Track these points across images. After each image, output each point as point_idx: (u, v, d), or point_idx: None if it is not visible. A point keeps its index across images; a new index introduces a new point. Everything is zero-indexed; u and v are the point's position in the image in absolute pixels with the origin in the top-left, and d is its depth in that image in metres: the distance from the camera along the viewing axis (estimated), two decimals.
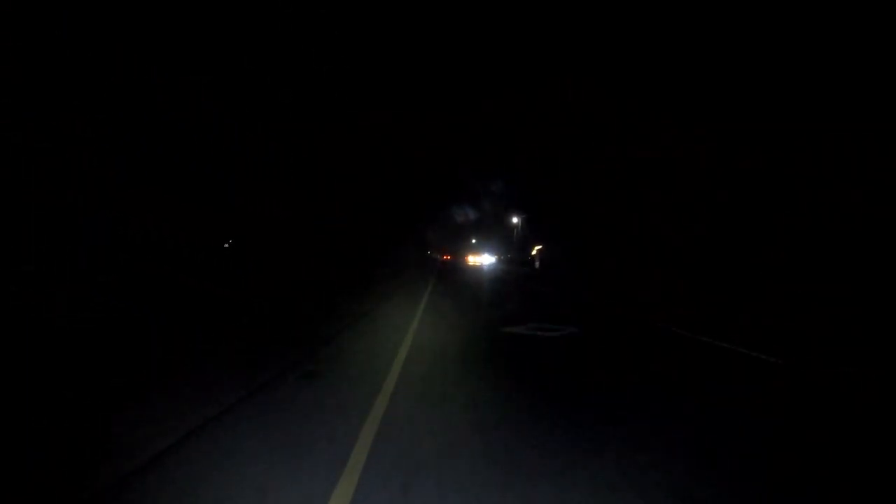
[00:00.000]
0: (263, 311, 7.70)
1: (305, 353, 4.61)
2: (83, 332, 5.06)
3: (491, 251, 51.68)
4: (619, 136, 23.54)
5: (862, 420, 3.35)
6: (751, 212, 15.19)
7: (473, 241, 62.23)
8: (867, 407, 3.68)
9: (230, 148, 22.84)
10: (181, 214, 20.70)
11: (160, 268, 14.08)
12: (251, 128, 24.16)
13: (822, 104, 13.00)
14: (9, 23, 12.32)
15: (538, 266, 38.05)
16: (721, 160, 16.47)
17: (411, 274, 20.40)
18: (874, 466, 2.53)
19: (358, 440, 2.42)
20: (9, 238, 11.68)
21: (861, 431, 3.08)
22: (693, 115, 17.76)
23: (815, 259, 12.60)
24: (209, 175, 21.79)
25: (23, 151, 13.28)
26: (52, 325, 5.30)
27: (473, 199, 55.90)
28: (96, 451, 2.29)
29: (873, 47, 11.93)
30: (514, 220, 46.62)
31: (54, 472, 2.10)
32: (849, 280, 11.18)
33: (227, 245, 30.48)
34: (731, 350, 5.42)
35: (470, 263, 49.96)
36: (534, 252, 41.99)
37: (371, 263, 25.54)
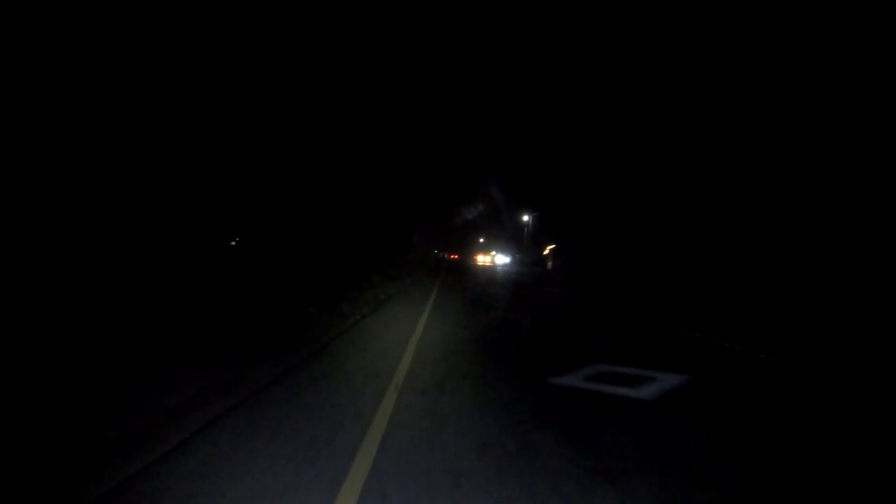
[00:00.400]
0: (257, 315, 6.93)
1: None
2: (77, 332, 4.92)
3: (504, 251, 48.37)
4: (620, 135, 23.32)
5: None
6: (753, 211, 14.86)
7: (481, 240, 61.50)
8: None
9: (231, 148, 22.67)
10: (181, 214, 20.48)
11: (156, 268, 13.90)
12: (252, 128, 24.01)
13: (823, 104, 13.03)
14: (9, 21, 12.24)
15: (551, 266, 37.10)
16: (723, 159, 16.28)
17: (416, 274, 19.62)
18: None
19: None
20: (8, 237, 11.77)
21: None
22: (694, 115, 17.47)
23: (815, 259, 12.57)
24: (210, 175, 21.60)
25: (23, 148, 13.13)
26: (49, 324, 5.19)
27: (480, 197, 55.17)
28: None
29: (873, 47, 12.01)
30: (525, 217, 45.51)
31: None
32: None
33: (233, 243, 30.42)
34: None
35: (479, 263, 49.14)
36: (546, 252, 41.07)
37: (374, 264, 24.93)
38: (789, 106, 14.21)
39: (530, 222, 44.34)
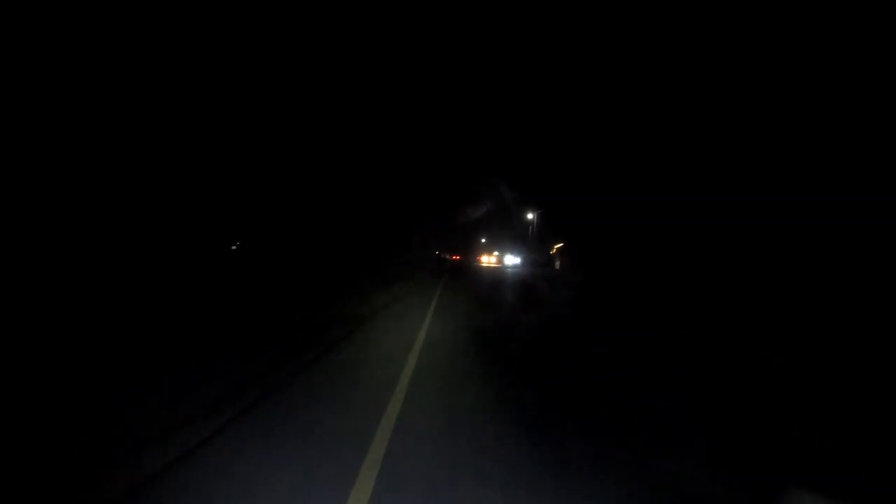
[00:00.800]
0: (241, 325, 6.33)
1: None
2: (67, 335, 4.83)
3: (514, 251, 46.44)
4: (627, 134, 23.39)
5: None
6: (758, 212, 14.94)
7: (483, 240, 60.74)
8: None
9: (232, 152, 22.44)
10: (182, 219, 20.18)
11: (154, 269, 13.77)
12: (252, 129, 23.77)
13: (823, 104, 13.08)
14: (11, 21, 12.14)
15: (559, 266, 36.39)
16: (729, 159, 16.42)
17: (416, 278, 18.90)
18: None
19: None
20: (9, 238, 11.81)
21: None
22: (699, 116, 17.80)
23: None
24: (210, 175, 21.33)
25: (25, 149, 12.98)
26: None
27: (482, 196, 54.40)
28: None
29: (874, 48, 12.05)
30: (529, 215, 44.59)
31: None
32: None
33: (234, 248, 30.12)
34: None
35: (484, 264, 48.46)
36: (552, 251, 40.34)
37: (372, 266, 24.39)
38: (790, 106, 14.42)
39: (535, 221, 43.48)
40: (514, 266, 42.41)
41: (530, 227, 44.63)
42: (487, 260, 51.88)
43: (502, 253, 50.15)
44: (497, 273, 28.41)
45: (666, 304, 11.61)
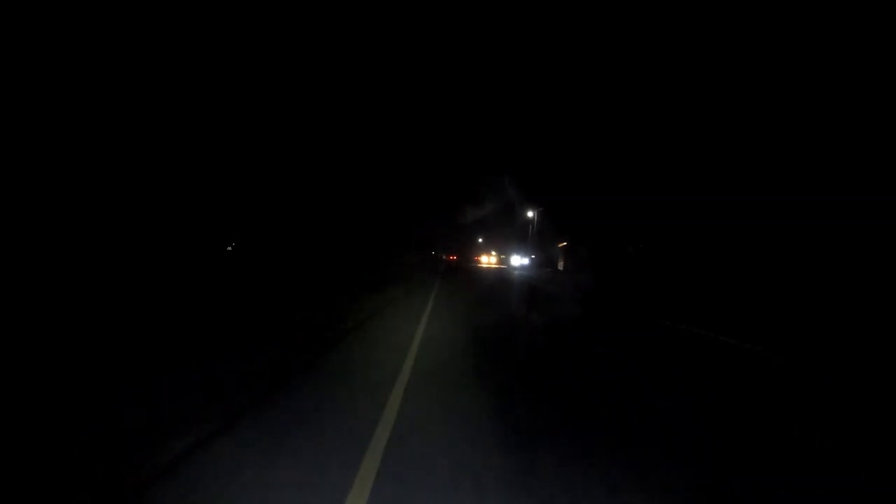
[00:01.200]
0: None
1: None
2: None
3: (521, 252, 44.05)
4: (630, 134, 23.47)
5: None
6: (760, 212, 14.98)
7: (480, 240, 60.72)
8: None
9: (229, 152, 22.44)
10: (179, 217, 20.14)
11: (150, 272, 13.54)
12: (249, 129, 23.76)
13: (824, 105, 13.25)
14: (11, 20, 12.14)
15: (562, 267, 36.31)
16: (732, 159, 16.54)
17: (413, 279, 18.91)
18: None
19: None
20: (8, 239, 11.74)
21: None
22: (700, 116, 18.10)
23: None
24: (209, 176, 21.32)
25: (22, 149, 12.96)
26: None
27: (480, 196, 54.29)
28: None
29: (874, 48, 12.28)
30: (529, 213, 44.24)
31: None
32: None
33: (229, 248, 30.05)
34: None
35: (483, 265, 48.32)
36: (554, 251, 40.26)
37: (366, 267, 24.35)
38: (790, 106, 14.61)
39: (535, 220, 43.22)
40: (522, 267, 40.32)
41: (530, 227, 44.45)
42: (487, 260, 51.75)
43: (507, 253, 49.11)
44: (498, 274, 28.27)
45: (667, 304, 11.64)
